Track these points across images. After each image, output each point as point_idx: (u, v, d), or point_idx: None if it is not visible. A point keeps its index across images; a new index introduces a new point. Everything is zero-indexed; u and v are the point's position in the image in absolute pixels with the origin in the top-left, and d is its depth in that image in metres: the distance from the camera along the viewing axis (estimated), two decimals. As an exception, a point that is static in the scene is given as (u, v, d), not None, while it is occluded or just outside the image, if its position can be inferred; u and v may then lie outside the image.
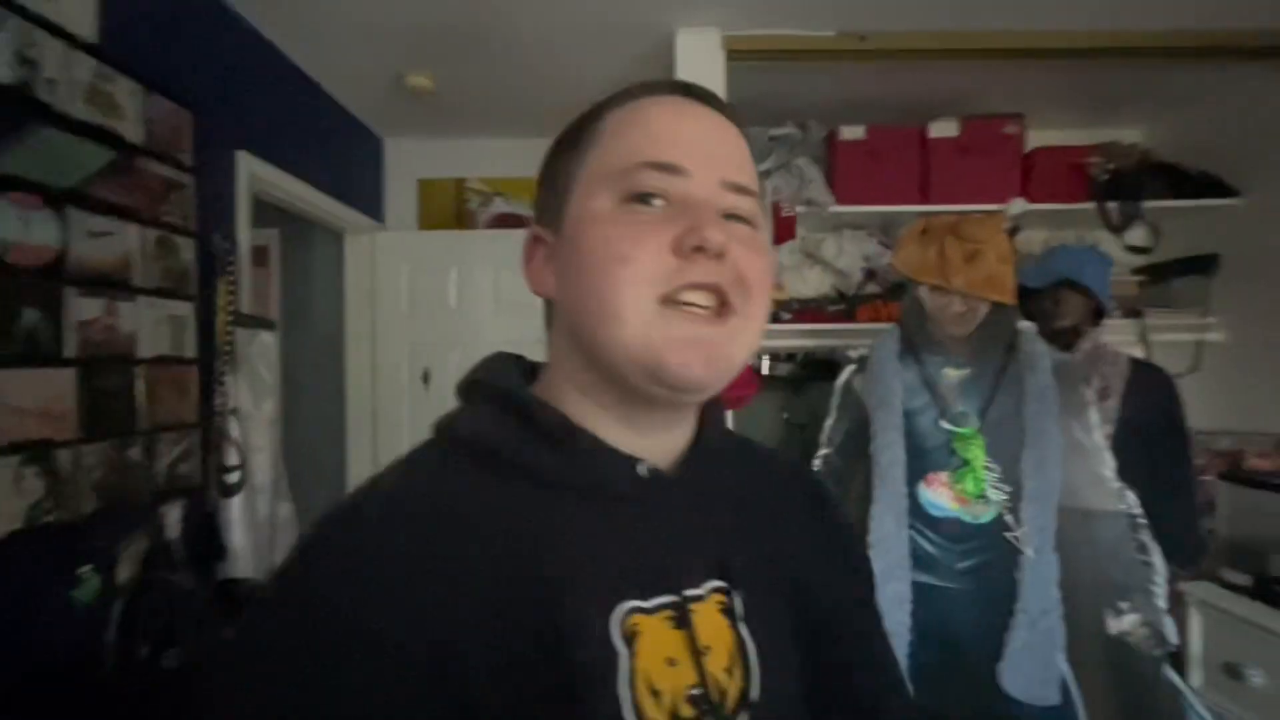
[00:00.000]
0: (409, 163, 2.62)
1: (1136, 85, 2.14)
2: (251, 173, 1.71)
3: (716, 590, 0.42)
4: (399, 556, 0.37)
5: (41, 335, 1.08)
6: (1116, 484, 1.29)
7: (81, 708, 1.06)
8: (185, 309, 1.42)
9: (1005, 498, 1.28)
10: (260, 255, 2.50)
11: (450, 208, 2.63)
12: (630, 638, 0.38)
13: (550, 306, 0.49)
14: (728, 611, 0.42)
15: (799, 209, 2.07)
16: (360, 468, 2.50)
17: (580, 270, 0.42)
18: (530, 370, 0.50)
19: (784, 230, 2.10)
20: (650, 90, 0.46)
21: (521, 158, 2.61)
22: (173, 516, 1.35)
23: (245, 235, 1.66)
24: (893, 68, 1.94)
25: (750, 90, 1.93)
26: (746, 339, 0.42)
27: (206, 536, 1.44)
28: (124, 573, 1.16)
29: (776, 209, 2.06)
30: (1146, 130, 2.47)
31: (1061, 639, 1.23)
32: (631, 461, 0.43)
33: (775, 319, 2.14)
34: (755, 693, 0.41)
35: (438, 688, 0.34)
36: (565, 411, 0.43)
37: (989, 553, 1.29)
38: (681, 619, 0.40)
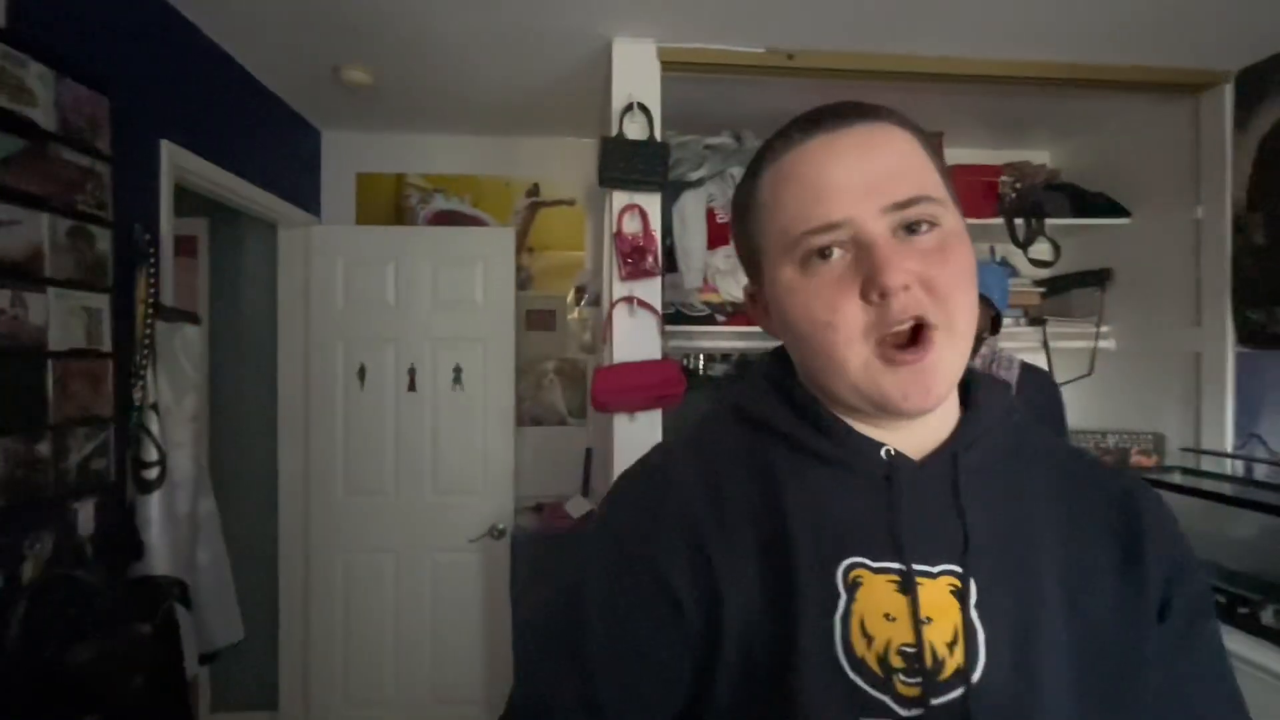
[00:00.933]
0: (347, 157, 2.58)
1: (1044, 110, 2.32)
2: (175, 162, 1.67)
3: (949, 573, 0.45)
4: (662, 503, 0.49)
5: (-61, 326, 1.04)
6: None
7: (-20, 709, 1.03)
8: (101, 301, 1.38)
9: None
10: (188, 245, 2.42)
11: (389, 203, 2.60)
12: (852, 586, 0.44)
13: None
14: (959, 594, 0.44)
15: (733, 215, 2.16)
16: (292, 464, 2.46)
17: (797, 335, 0.48)
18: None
19: (719, 236, 2.18)
20: (789, 140, 0.48)
21: (463, 154, 2.62)
22: (85, 513, 1.31)
23: (168, 226, 1.62)
24: (821, 84, 2.04)
25: (686, 99, 2.00)
26: (956, 347, 0.46)
27: (122, 533, 1.40)
28: (29, 571, 1.13)
29: (712, 215, 2.14)
30: (1052, 152, 2.67)
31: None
32: (877, 446, 0.48)
33: (710, 320, 2.22)
34: (977, 675, 0.42)
35: (674, 614, 0.45)
36: (821, 400, 0.50)
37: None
38: (906, 586, 0.44)
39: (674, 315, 2.15)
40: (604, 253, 2.04)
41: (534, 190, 2.65)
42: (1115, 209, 2.32)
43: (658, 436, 1.87)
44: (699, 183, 2.10)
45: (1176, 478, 1.83)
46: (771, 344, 0.56)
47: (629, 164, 1.74)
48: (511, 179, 2.64)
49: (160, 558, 1.44)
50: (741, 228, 0.53)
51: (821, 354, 0.46)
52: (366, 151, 2.58)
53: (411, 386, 2.44)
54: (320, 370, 2.44)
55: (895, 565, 0.45)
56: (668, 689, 0.46)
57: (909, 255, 0.44)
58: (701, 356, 2.48)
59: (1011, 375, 1.64)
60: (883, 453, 0.48)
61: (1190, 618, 0.49)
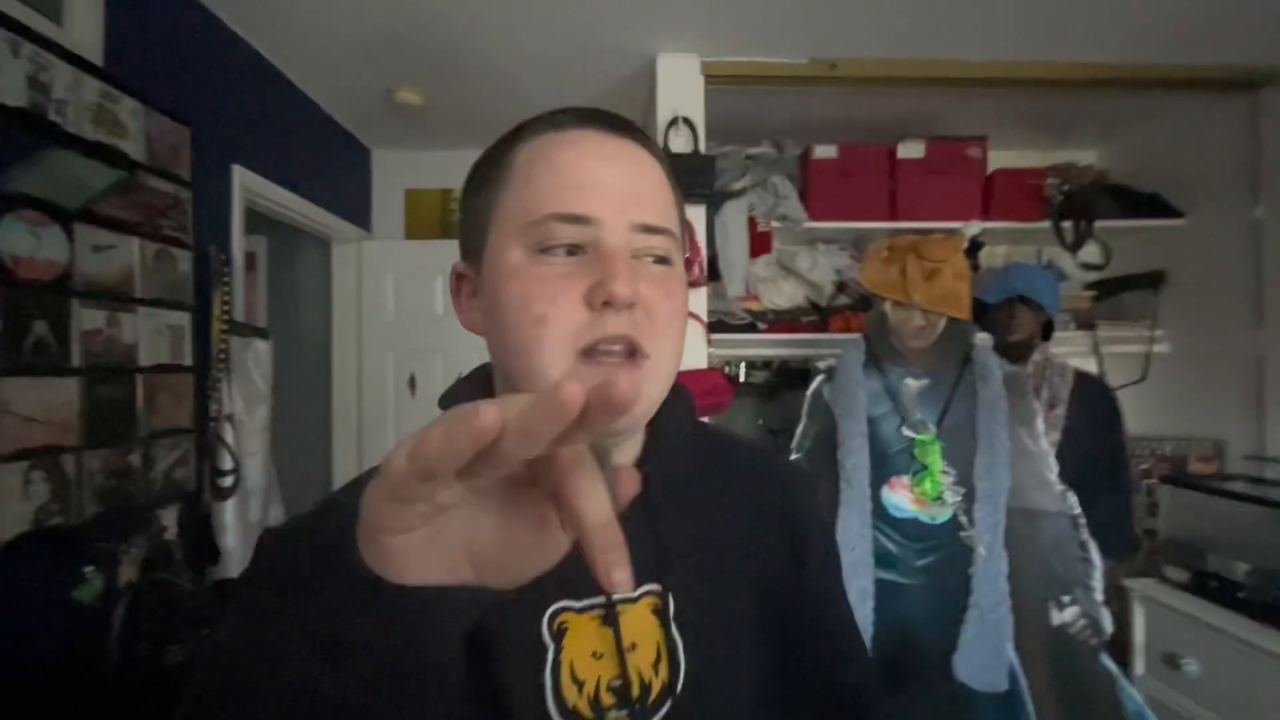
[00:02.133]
0: (396, 174, 2.67)
1: (1090, 110, 2.28)
2: (245, 185, 1.76)
3: (650, 594, 0.45)
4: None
5: (49, 346, 1.13)
6: (1059, 486, 1.39)
7: (86, 703, 1.10)
8: (182, 318, 1.47)
9: (959, 499, 1.39)
10: (248, 262, 2.53)
11: (436, 217, 2.69)
12: (559, 634, 0.43)
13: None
14: (659, 612, 0.45)
15: (774, 224, 2.17)
16: (346, 472, 2.55)
17: (503, 325, 0.43)
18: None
19: (760, 244, 2.19)
20: (559, 125, 0.46)
21: (507, 169, 2.68)
22: (169, 520, 1.40)
23: (239, 246, 1.71)
24: (863, 92, 2.05)
25: (729, 110, 2.03)
26: (659, 378, 0.44)
27: (201, 539, 1.48)
28: (126, 574, 1.20)
29: (753, 223, 2.16)
30: (1100, 153, 2.62)
31: (1010, 630, 1.33)
32: None
33: (751, 329, 2.24)
34: (680, 686, 0.44)
35: None
36: None
37: (945, 550, 1.39)
38: (609, 618, 0.44)
39: (715, 324, 2.17)
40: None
41: (575, 202, 2.70)
42: (1168, 209, 2.27)
43: (704, 444, 1.89)
44: (740, 192, 2.12)
45: (1239, 486, 1.78)
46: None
47: (675, 176, 1.77)
48: (553, 191, 2.69)
49: (235, 562, 1.52)
50: (473, 199, 0.48)
51: (524, 352, 0.42)
52: (415, 168, 2.67)
53: (459, 395, 2.51)
54: (372, 380, 2.52)
55: (598, 600, 0.44)
56: None
57: (643, 277, 0.43)
58: (743, 364, 2.49)
59: (1065, 383, 1.62)
60: None
61: (826, 565, 0.57)
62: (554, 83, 2.07)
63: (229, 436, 1.53)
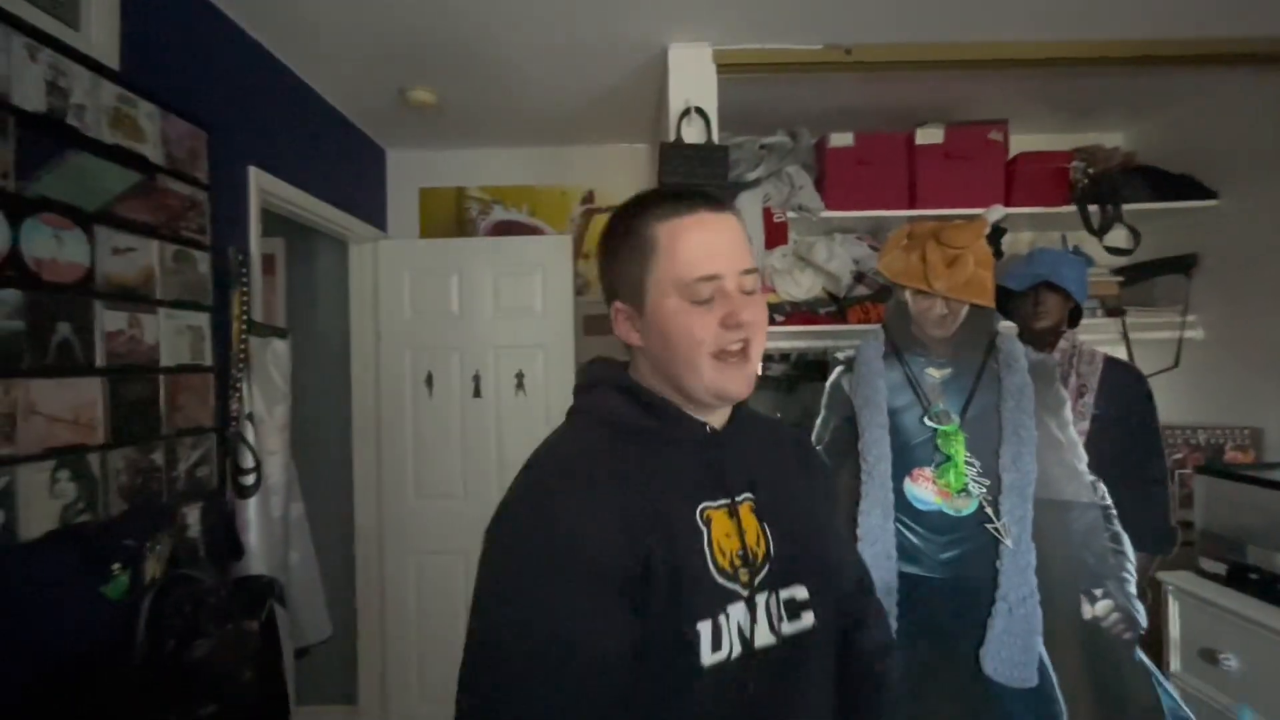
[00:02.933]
0: (410, 173, 2.68)
1: (1116, 90, 2.21)
2: (261, 186, 1.77)
3: (749, 499, 0.73)
4: (583, 503, 0.64)
5: (73, 347, 1.14)
6: (1090, 477, 1.35)
7: (114, 697, 1.12)
8: (202, 319, 1.49)
9: (985, 490, 1.35)
10: (267, 264, 2.56)
11: (451, 216, 2.70)
12: (707, 522, 0.69)
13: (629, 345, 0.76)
14: (756, 510, 0.73)
15: (790, 214, 2.14)
16: (366, 468, 2.57)
17: (670, 343, 0.69)
18: (623, 365, 0.79)
19: (776, 235, 2.16)
20: (682, 211, 0.70)
21: (520, 166, 2.68)
22: (193, 517, 1.42)
23: (256, 247, 1.73)
24: (879, 77, 2.00)
25: (741, 100, 2.00)
26: (757, 364, 0.72)
27: (224, 536, 1.50)
28: (151, 570, 1.22)
29: (768, 214, 2.13)
30: (1127, 134, 2.55)
31: (1039, 624, 1.29)
32: (704, 424, 0.73)
33: (769, 321, 2.20)
34: (773, 552, 0.72)
35: (622, 593, 0.63)
36: (662, 395, 0.73)
37: (970, 543, 1.36)
38: (732, 512, 0.71)
39: (733, 316, 2.15)
40: (662, 257, 2.06)
41: (589, 197, 2.69)
42: (1200, 190, 2.20)
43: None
44: (755, 183, 2.09)
45: (1279, 475, 1.71)
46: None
47: (689, 168, 1.76)
48: (567, 187, 2.69)
49: (258, 558, 1.54)
50: (622, 259, 0.72)
51: (688, 360, 0.68)
52: (429, 167, 2.68)
53: (476, 393, 2.52)
54: (390, 378, 2.54)
55: (725, 501, 0.71)
56: (625, 647, 0.63)
57: (746, 305, 0.69)
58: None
59: (1094, 370, 1.57)
60: (707, 430, 0.73)
61: (828, 489, 0.95)
62: (566, 78, 2.06)
63: (249, 435, 1.55)
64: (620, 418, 0.72)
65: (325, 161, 2.20)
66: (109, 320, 1.22)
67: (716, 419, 0.74)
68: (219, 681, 1.16)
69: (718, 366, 0.68)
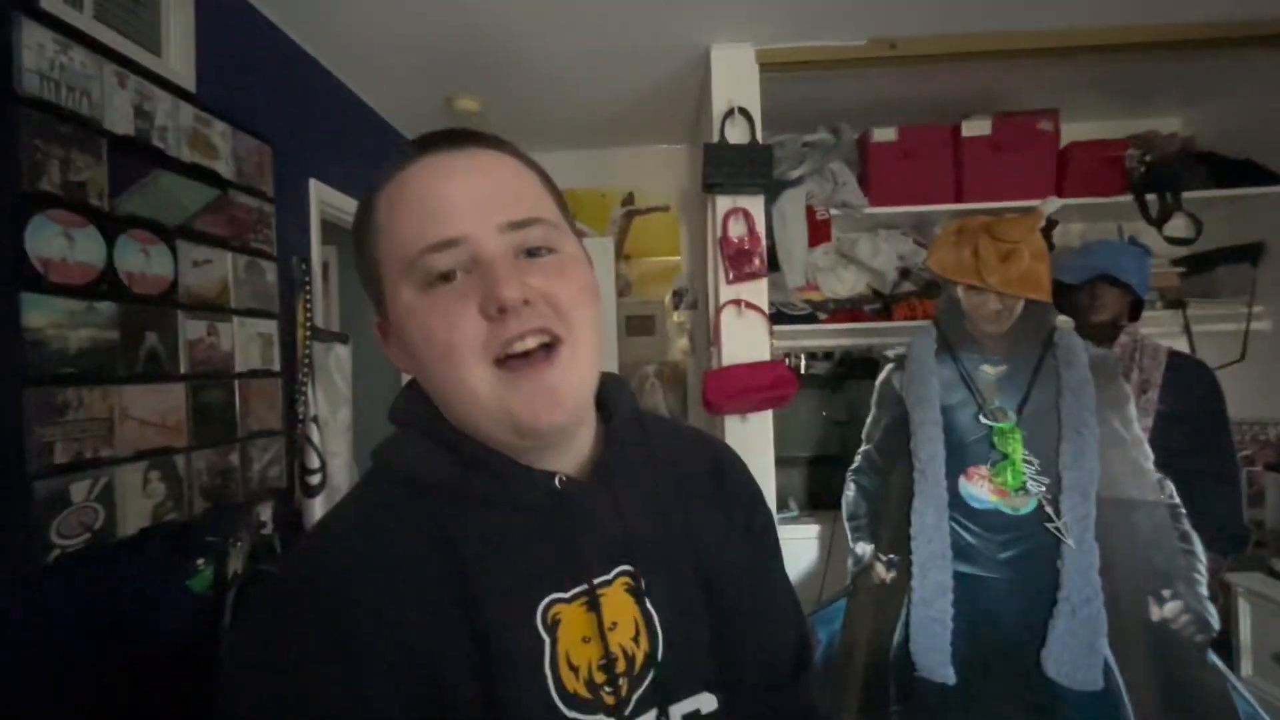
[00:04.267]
0: (455, 179, 2.75)
1: (1171, 75, 2.14)
2: (321, 198, 1.85)
3: (623, 574, 0.48)
4: (362, 580, 0.43)
5: (160, 355, 1.22)
6: (1156, 475, 1.32)
7: (202, 684, 1.19)
8: (270, 326, 1.56)
9: (1044, 489, 1.33)
10: (322, 272, 2.66)
11: (495, 220, 2.75)
12: (553, 626, 0.45)
13: None
14: (633, 591, 0.48)
15: (833, 211, 2.13)
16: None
17: (421, 362, 0.46)
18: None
19: (819, 233, 2.15)
20: (402, 162, 0.47)
21: (560, 169, 2.70)
22: (266, 515, 1.49)
23: (317, 255, 1.80)
24: (923, 70, 1.98)
25: (783, 98, 2.00)
26: (581, 362, 0.46)
27: (295, 534, 1.57)
28: (233, 565, 1.29)
29: (811, 212, 2.12)
30: (1184, 119, 2.45)
31: (1104, 626, 1.27)
32: (549, 475, 0.48)
33: (811, 319, 2.20)
34: (660, 654, 0.47)
35: (404, 685, 0.41)
36: (481, 439, 0.47)
37: (1030, 542, 1.34)
38: (592, 604, 0.46)
39: (774, 314, 2.15)
40: (706, 256, 2.07)
41: (629, 199, 2.72)
42: (1264, 176, 2.10)
43: (769, 437, 1.87)
44: (798, 180, 2.09)
45: (1359, 472, 1.64)
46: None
47: (733, 168, 1.76)
48: (607, 190, 2.72)
49: (324, 555, 1.60)
50: (361, 256, 0.50)
51: (449, 380, 0.45)
52: (472, 173, 2.74)
53: (522, 393, 2.57)
54: (439, 381, 2.61)
55: (579, 590, 0.46)
56: None
57: (530, 272, 0.44)
58: (803, 355, 2.46)
59: (1157, 365, 1.52)
60: (556, 481, 0.48)
61: (763, 529, 0.60)
62: (608, 82, 2.09)
63: (315, 437, 1.62)
64: (424, 476, 0.47)
65: (376, 171, 2.27)
66: (190, 329, 1.29)
67: (569, 462, 0.50)
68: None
69: (503, 379, 0.44)
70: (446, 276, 0.44)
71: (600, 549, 0.48)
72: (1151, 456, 1.33)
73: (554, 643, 0.44)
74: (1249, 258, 2.13)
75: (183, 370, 1.27)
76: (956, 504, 1.39)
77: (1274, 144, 2.11)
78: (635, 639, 0.47)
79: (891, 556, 1.46)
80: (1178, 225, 2.13)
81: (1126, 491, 1.31)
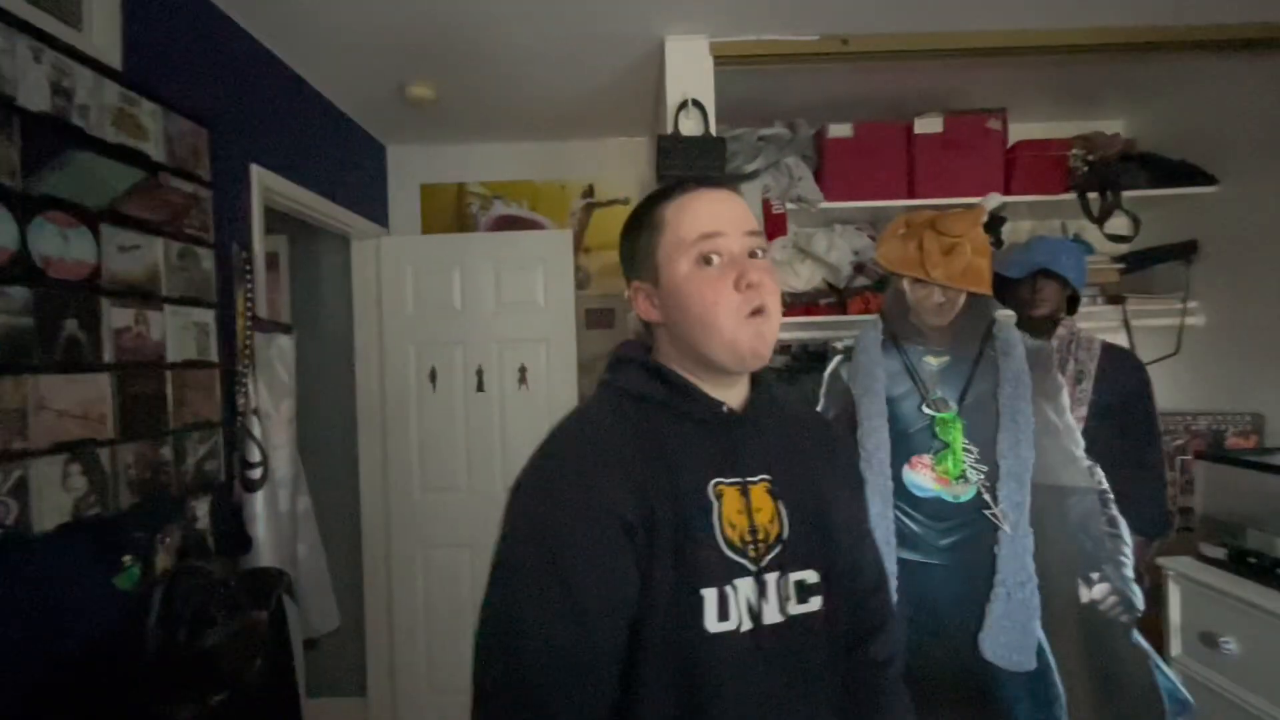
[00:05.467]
0: (411, 169, 2.70)
1: (1116, 77, 2.21)
2: (264, 184, 1.79)
3: (764, 479, 0.75)
4: (598, 458, 0.69)
5: (81, 344, 1.16)
6: (1087, 462, 1.36)
7: (129, 686, 1.14)
8: (207, 315, 1.51)
9: (983, 477, 1.36)
10: (270, 261, 2.58)
11: (452, 211, 2.71)
12: (718, 496, 0.71)
13: (649, 325, 0.80)
14: (771, 492, 0.75)
15: (789, 206, 2.15)
16: (372, 463, 2.60)
17: (688, 311, 0.72)
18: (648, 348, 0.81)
19: (776, 227, 2.17)
20: (688, 189, 0.75)
21: (519, 161, 2.69)
22: (201, 510, 1.44)
23: (259, 244, 1.75)
24: (877, 67, 2.01)
25: (739, 92, 2.01)
26: (775, 323, 0.73)
27: (232, 529, 1.52)
28: (162, 562, 1.25)
29: (768, 206, 2.14)
30: (1127, 121, 2.54)
31: (1037, 608, 1.30)
32: (720, 403, 0.75)
33: (769, 313, 2.22)
34: (785, 536, 0.74)
35: (627, 535, 0.66)
36: (680, 373, 0.76)
37: (969, 529, 1.37)
38: (744, 491, 0.73)
39: (733, 308, 2.16)
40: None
41: (589, 191, 2.70)
42: (1199, 177, 2.19)
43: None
44: (754, 175, 2.10)
45: (1279, 459, 1.72)
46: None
47: (687, 160, 1.76)
48: (567, 181, 2.70)
49: (266, 551, 1.56)
50: (636, 238, 0.77)
51: (706, 321, 0.71)
52: (429, 163, 2.69)
53: (479, 387, 2.54)
54: (394, 374, 2.56)
55: (737, 480, 0.73)
56: (629, 588, 0.66)
57: (755, 266, 0.71)
58: (761, 348, 2.47)
59: (1091, 357, 1.58)
60: (723, 409, 0.75)
61: (853, 481, 0.93)
62: (564, 72, 2.07)
63: (256, 429, 1.57)
64: (640, 390, 0.75)
65: (326, 158, 2.22)
66: (116, 317, 1.24)
67: (734, 398, 0.76)
68: (229, 671, 1.18)
69: (737, 322, 0.70)
70: (709, 260, 0.71)
71: (751, 458, 0.74)
72: (1083, 444, 1.37)
73: (719, 506, 0.71)
74: (1183, 256, 2.22)
75: (107, 359, 1.21)
76: (901, 493, 1.41)
77: (1210, 146, 2.19)
78: (770, 522, 0.73)
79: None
80: (1118, 224, 2.21)
81: (1059, 479, 1.35)
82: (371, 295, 2.59)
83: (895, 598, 1.37)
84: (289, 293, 2.66)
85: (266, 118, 1.85)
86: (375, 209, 2.60)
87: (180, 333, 1.41)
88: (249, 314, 1.59)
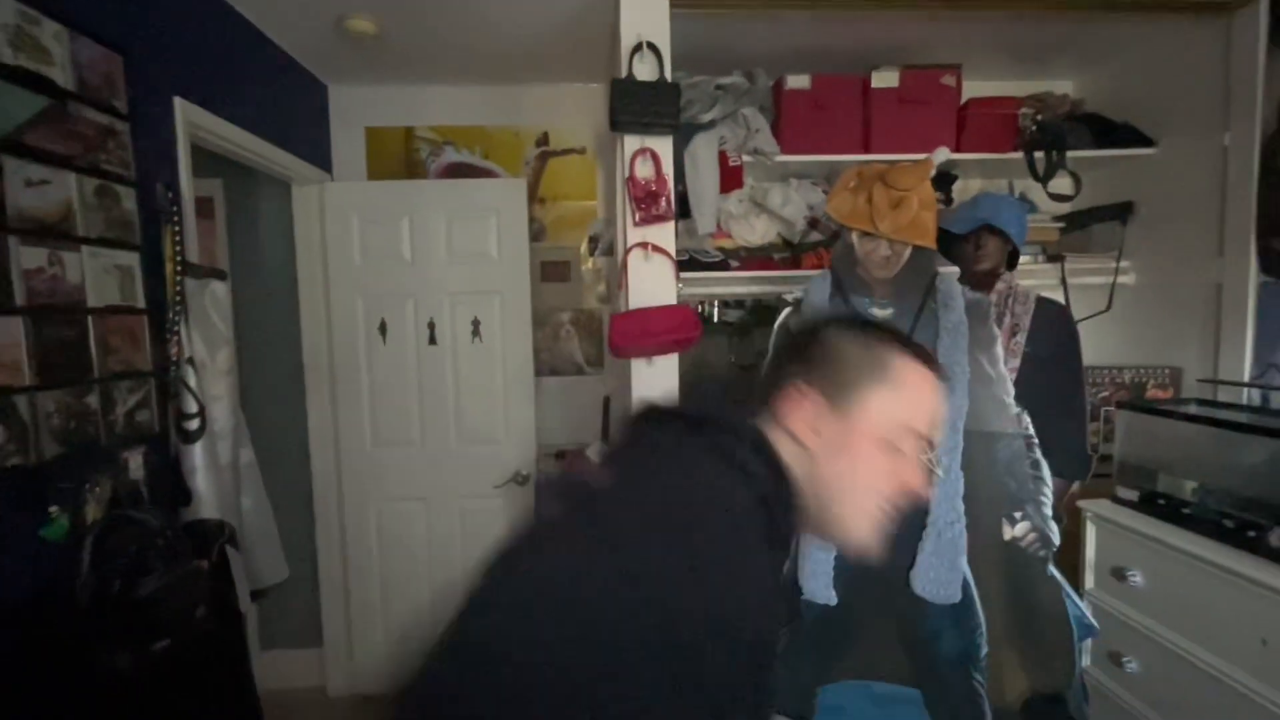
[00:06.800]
0: (355, 111, 2.56)
1: (1067, 37, 2.23)
2: (189, 119, 1.68)
3: None
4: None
5: (-13, 284, 1.09)
6: (1015, 409, 1.43)
7: (62, 638, 1.12)
8: (131, 259, 1.43)
9: (919, 424, 1.42)
10: (205, 206, 2.44)
11: (399, 157, 2.60)
12: None
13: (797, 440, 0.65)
14: None
15: (746, 158, 2.13)
16: (321, 417, 2.54)
17: (849, 481, 0.63)
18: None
19: (731, 179, 2.15)
20: (916, 359, 0.67)
21: (471, 105, 2.59)
22: (135, 462, 1.39)
23: (187, 184, 1.64)
24: (836, 17, 1.98)
25: (697, 39, 1.95)
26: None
27: (171, 481, 1.48)
28: (93, 513, 1.21)
29: (724, 158, 2.12)
30: (1077, 82, 2.58)
31: (964, 546, 1.39)
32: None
33: (724, 266, 2.22)
34: None
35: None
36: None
37: (905, 474, 1.43)
38: None
39: (687, 262, 2.16)
40: (617, 200, 2.04)
41: (543, 140, 2.62)
42: (1140, 138, 2.26)
43: (674, 381, 1.90)
44: (711, 124, 2.07)
45: (1192, 409, 1.84)
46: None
47: (641, 106, 1.72)
48: (520, 128, 2.61)
49: (207, 504, 1.53)
50: (846, 359, 0.66)
51: (858, 505, 0.64)
52: (374, 105, 2.56)
53: (432, 340, 2.49)
54: (342, 326, 2.49)
55: None
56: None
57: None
58: (716, 303, 2.49)
59: (1027, 311, 1.64)
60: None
61: None
62: (514, 9, 1.97)
63: (191, 379, 1.51)
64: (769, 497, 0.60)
65: (261, 96, 2.08)
66: (26, 257, 1.16)
67: None
68: (170, 618, 1.17)
69: (875, 527, 0.63)
70: (901, 453, 0.65)
71: None
72: (1013, 392, 1.44)
73: None
74: (1120, 216, 2.30)
75: (19, 302, 1.14)
76: (842, 440, 1.46)
77: (1152, 109, 2.26)
78: None
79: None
80: (1061, 183, 2.27)
81: (990, 425, 1.42)
82: (316, 244, 2.49)
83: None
84: (226, 240, 2.53)
85: (191, 47, 1.72)
86: (317, 152, 2.47)
87: (101, 276, 1.34)
88: (178, 258, 1.51)
